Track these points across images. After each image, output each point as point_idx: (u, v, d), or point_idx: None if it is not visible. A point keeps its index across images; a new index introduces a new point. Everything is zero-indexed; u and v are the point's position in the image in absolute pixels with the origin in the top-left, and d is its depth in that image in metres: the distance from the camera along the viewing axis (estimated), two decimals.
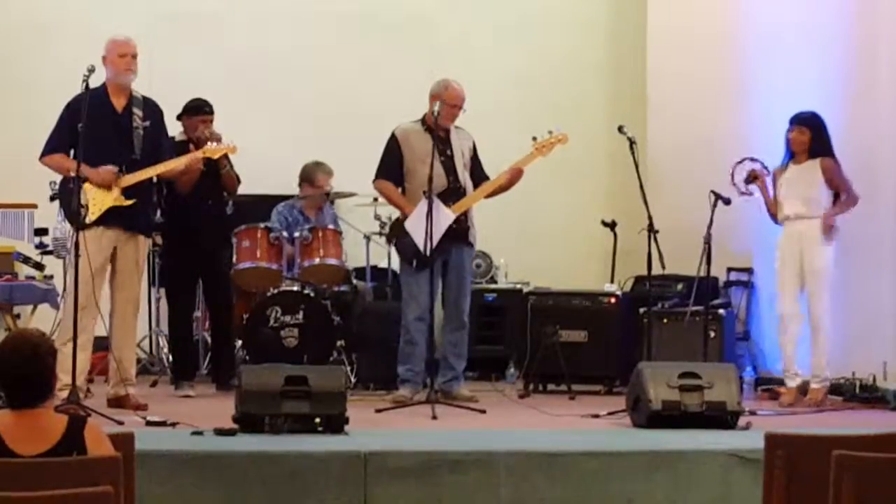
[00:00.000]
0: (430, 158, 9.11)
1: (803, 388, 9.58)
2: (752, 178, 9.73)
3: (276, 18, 12.22)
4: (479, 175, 9.69)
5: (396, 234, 9.62)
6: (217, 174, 9.88)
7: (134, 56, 8.87)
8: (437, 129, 9.50)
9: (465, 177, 9.60)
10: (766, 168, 9.76)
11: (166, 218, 10.04)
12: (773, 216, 9.73)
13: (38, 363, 4.57)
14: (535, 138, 9.57)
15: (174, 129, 9.82)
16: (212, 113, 10.01)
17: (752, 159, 9.80)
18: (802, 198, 9.57)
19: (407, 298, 9.50)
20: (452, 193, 9.47)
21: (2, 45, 11.91)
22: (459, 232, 9.46)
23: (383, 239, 10.91)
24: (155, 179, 9.24)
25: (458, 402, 9.09)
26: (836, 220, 9.52)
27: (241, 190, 10.24)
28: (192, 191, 9.76)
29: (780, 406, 9.35)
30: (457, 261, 9.55)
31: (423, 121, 9.49)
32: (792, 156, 9.69)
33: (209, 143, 9.46)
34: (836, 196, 9.60)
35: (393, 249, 10.47)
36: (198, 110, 10.01)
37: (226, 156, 9.79)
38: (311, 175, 10.86)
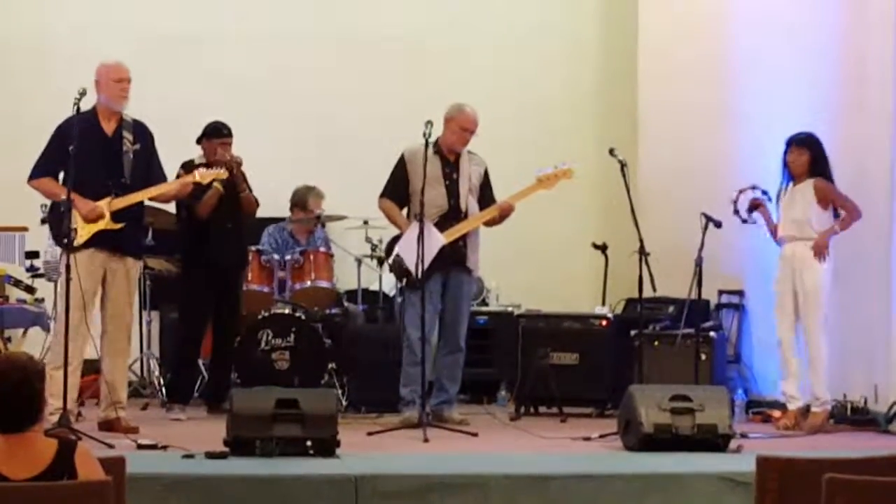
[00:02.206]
0: (423, 183, 9.12)
1: (802, 412, 9.57)
2: (754, 206, 9.72)
3: (271, 42, 12.24)
4: (487, 204, 9.63)
5: (391, 252, 9.59)
6: (236, 197, 9.89)
7: (129, 81, 8.88)
8: (447, 153, 9.51)
9: (468, 202, 9.56)
10: (767, 195, 9.75)
11: (185, 241, 10.04)
12: (776, 236, 9.73)
13: (25, 387, 4.55)
14: (539, 170, 9.57)
15: (177, 151, 9.78)
16: (230, 135, 10.00)
17: (754, 187, 9.78)
18: (794, 220, 9.55)
19: (411, 318, 9.39)
20: (452, 218, 9.45)
21: None
22: (456, 257, 9.45)
23: (375, 262, 10.93)
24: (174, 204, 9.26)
25: (450, 425, 9.08)
26: (829, 241, 9.50)
27: None
28: (211, 214, 9.78)
29: (777, 429, 9.30)
30: (454, 285, 9.52)
31: (435, 143, 9.48)
32: (791, 178, 9.66)
33: (233, 170, 9.47)
34: (837, 214, 9.57)
35: (385, 272, 10.47)
36: (216, 133, 10.01)
37: (244, 178, 9.85)
38: (303, 199, 10.87)
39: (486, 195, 9.69)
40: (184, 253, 10.17)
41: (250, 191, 9.98)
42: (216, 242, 9.88)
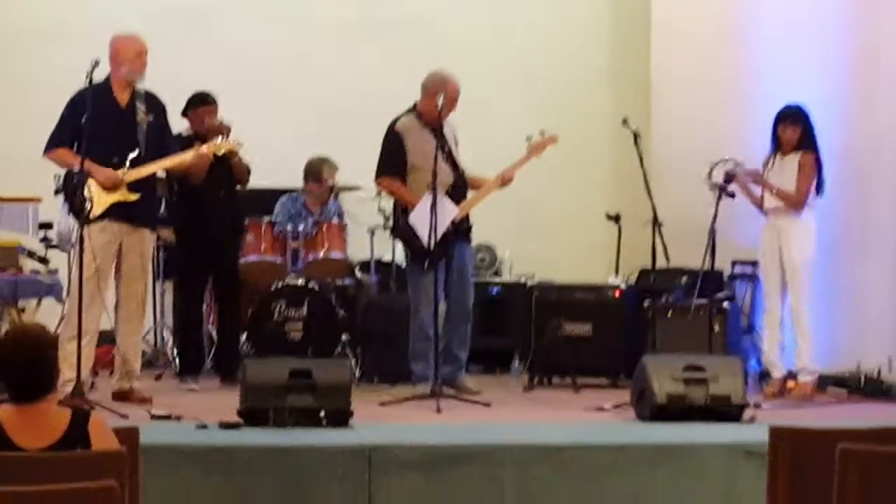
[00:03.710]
0: (436, 154, 9.09)
1: (788, 380, 9.64)
2: (729, 177, 9.70)
3: (278, 12, 12.22)
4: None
5: (406, 233, 9.56)
6: (228, 166, 9.87)
7: (147, 53, 8.89)
8: (435, 123, 9.44)
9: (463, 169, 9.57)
10: (740, 165, 9.74)
11: (178, 210, 10.03)
12: (760, 208, 9.76)
13: (39, 357, 4.57)
14: (529, 138, 9.54)
15: (178, 125, 9.80)
16: (215, 103, 10.01)
17: (727, 159, 9.76)
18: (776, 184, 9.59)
19: (419, 296, 9.39)
20: (459, 188, 9.43)
21: (3, 40, 11.91)
22: (462, 231, 9.42)
23: (387, 232, 10.91)
24: (164, 174, 9.23)
25: (464, 394, 9.08)
26: (771, 187, 9.54)
27: None
28: (203, 182, 9.75)
29: (765, 398, 9.33)
30: (459, 258, 9.49)
31: (418, 114, 9.44)
32: (777, 149, 9.68)
33: (216, 138, 9.44)
34: (817, 187, 9.61)
35: (398, 243, 10.48)
36: (201, 102, 10.01)
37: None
38: (317, 170, 10.84)
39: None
40: (178, 224, 10.15)
41: (241, 158, 9.94)
42: (210, 212, 9.87)
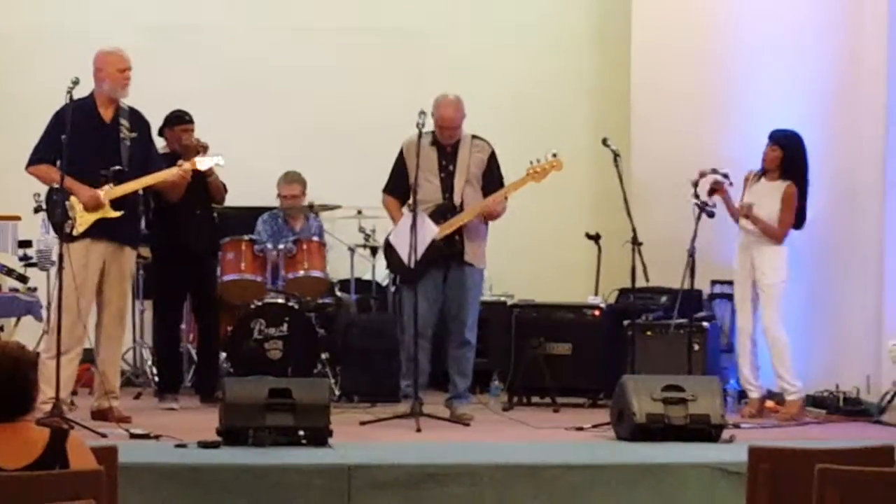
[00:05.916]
0: (416, 174, 9.03)
1: (766, 400, 9.69)
2: (713, 190, 9.72)
3: (268, 32, 12.23)
4: (491, 190, 9.35)
5: (386, 250, 9.52)
6: (204, 184, 9.85)
7: (130, 69, 8.86)
8: (444, 144, 9.33)
9: (464, 195, 9.29)
10: (728, 178, 9.75)
11: (155, 228, 10.00)
12: (737, 219, 9.78)
13: (18, 376, 4.54)
14: (531, 162, 9.42)
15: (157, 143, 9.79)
16: (192, 122, 10.00)
17: (714, 171, 9.78)
18: (761, 215, 9.61)
19: (408, 314, 9.24)
20: (446, 210, 9.23)
21: None
22: (452, 251, 9.23)
23: (368, 251, 10.93)
24: (141, 191, 9.21)
25: (444, 415, 9.04)
26: (750, 221, 9.58)
27: (227, 202, 10.23)
28: (180, 201, 9.73)
29: (742, 417, 9.34)
30: (454, 279, 9.27)
31: (433, 132, 9.37)
32: (766, 170, 9.72)
33: (198, 155, 9.43)
34: (798, 220, 9.63)
35: (378, 261, 10.45)
36: (178, 120, 10.00)
37: None
38: (279, 184, 10.90)
39: (490, 182, 9.37)
40: (155, 242, 10.12)
41: (217, 177, 9.91)
42: (186, 230, 9.84)
